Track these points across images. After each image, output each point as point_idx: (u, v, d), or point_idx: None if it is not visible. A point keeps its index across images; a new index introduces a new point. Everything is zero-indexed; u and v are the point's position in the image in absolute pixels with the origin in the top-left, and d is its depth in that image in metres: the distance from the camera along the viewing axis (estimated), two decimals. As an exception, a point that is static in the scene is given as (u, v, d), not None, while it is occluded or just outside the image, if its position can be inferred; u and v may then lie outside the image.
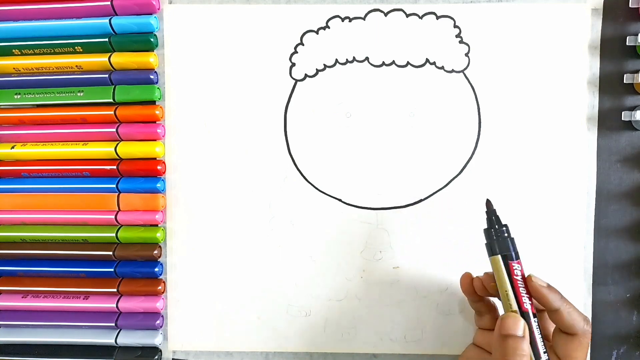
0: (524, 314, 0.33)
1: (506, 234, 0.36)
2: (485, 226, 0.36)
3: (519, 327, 0.32)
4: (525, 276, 0.34)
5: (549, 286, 0.34)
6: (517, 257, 0.35)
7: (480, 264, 0.43)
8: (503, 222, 0.36)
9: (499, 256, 0.35)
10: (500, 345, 0.32)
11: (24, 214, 0.43)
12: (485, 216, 0.37)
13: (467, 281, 0.38)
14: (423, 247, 0.43)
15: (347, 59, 0.42)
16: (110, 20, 0.41)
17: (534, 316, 0.34)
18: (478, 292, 0.37)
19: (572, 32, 0.42)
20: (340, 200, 0.43)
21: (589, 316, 0.43)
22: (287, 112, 0.43)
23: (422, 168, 0.43)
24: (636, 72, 0.41)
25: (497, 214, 0.36)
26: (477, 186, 0.43)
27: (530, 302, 0.34)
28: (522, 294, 0.34)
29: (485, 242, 0.36)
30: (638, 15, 0.41)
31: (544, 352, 0.33)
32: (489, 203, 0.37)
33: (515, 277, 0.34)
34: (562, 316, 0.34)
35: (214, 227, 0.43)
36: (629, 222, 0.43)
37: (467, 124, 0.43)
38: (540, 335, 0.33)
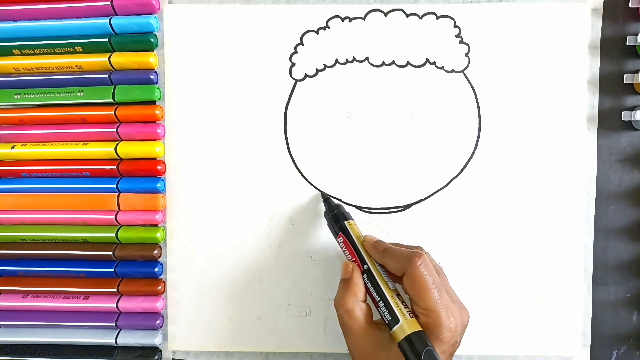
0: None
1: (329, 215, 0.41)
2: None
3: (347, 270, 0.37)
4: (362, 238, 0.39)
5: (375, 242, 0.38)
6: (338, 232, 0.39)
7: (480, 264, 0.43)
8: (335, 203, 0.42)
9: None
10: (338, 288, 0.37)
11: (24, 214, 0.43)
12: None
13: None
14: (423, 246, 0.43)
15: (347, 59, 0.42)
16: (110, 20, 0.41)
17: (366, 266, 0.37)
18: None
19: (572, 32, 0.42)
20: (340, 200, 0.43)
21: (589, 316, 0.43)
22: (287, 112, 0.43)
23: (422, 168, 0.43)
24: (636, 72, 0.41)
25: (328, 197, 0.42)
26: (477, 186, 0.43)
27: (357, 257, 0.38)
28: (345, 254, 0.39)
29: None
30: (638, 15, 0.41)
31: (382, 293, 0.35)
32: (322, 192, 0.43)
33: (341, 248, 0.39)
34: (387, 264, 0.36)
35: (214, 227, 0.43)
36: (629, 222, 0.43)
37: (467, 124, 0.43)
38: (379, 279, 0.36)
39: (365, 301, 0.36)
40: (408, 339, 0.33)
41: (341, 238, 0.39)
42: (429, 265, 0.35)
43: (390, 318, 0.34)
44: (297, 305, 0.44)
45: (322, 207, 0.43)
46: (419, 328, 0.33)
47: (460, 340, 0.35)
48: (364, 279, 0.37)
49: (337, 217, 0.40)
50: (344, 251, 0.39)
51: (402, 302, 0.35)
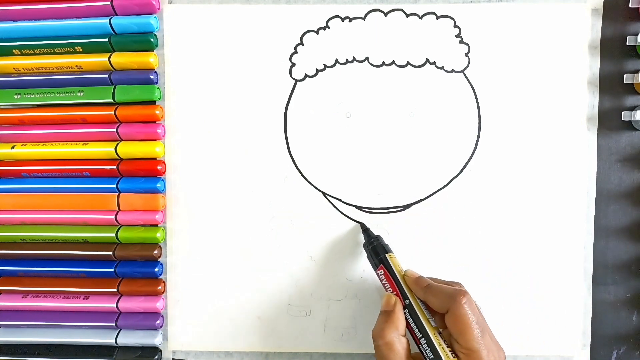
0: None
1: (369, 247, 0.41)
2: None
3: (389, 302, 0.37)
4: (403, 272, 0.39)
5: (417, 278, 0.38)
6: (378, 264, 0.39)
7: (480, 264, 0.43)
8: (375, 235, 0.42)
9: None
10: (378, 319, 0.37)
11: (24, 214, 0.43)
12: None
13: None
14: (423, 247, 0.43)
15: (347, 59, 0.42)
16: (110, 20, 0.41)
17: (408, 300, 0.37)
18: None
19: (572, 32, 0.42)
20: (340, 200, 0.43)
21: (589, 316, 0.43)
22: (287, 112, 0.43)
23: (422, 168, 0.43)
24: (636, 72, 0.41)
25: (368, 229, 0.42)
26: (477, 186, 0.43)
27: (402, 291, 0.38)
28: (385, 287, 0.39)
29: None
30: (638, 15, 0.41)
31: (424, 330, 0.35)
32: (361, 224, 0.43)
33: (381, 281, 0.39)
34: (430, 301, 0.36)
35: (214, 227, 0.43)
36: (629, 222, 0.43)
37: (467, 124, 0.43)
38: (421, 315, 0.36)
39: (405, 335, 0.36)
40: None
41: (382, 270, 0.39)
42: (472, 304, 0.35)
43: (432, 356, 0.34)
44: (297, 305, 0.44)
45: (322, 207, 0.43)
46: None
47: None
48: (405, 313, 0.37)
49: (377, 249, 0.40)
50: (384, 284, 0.39)
51: (444, 341, 0.35)
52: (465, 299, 0.34)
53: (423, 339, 0.35)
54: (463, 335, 0.34)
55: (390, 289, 0.38)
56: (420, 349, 0.35)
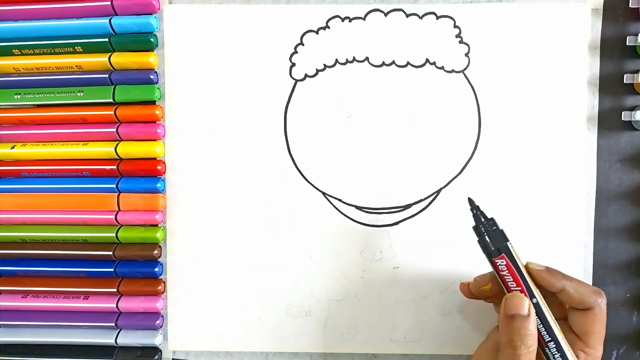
0: None
1: (484, 231, 0.35)
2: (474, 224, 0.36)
3: (523, 305, 0.32)
4: (524, 264, 0.35)
5: (547, 269, 0.35)
6: (500, 252, 0.34)
7: (480, 263, 0.43)
8: (488, 217, 0.36)
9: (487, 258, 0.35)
10: (506, 326, 0.32)
11: (24, 214, 0.43)
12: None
13: (466, 290, 0.38)
14: (423, 247, 0.43)
15: (347, 59, 0.42)
16: (110, 20, 0.41)
17: (535, 299, 0.33)
18: (477, 295, 0.38)
19: (572, 32, 0.42)
20: (340, 200, 0.43)
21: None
22: (287, 112, 0.43)
23: (422, 168, 0.43)
24: (636, 72, 0.41)
25: (480, 210, 0.36)
26: (477, 186, 0.43)
27: (529, 288, 0.34)
28: (510, 287, 0.34)
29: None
30: (638, 15, 0.41)
31: (553, 332, 0.33)
32: (471, 201, 0.36)
33: (501, 272, 0.34)
34: (568, 294, 0.34)
35: (214, 227, 0.43)
36: (629, 222, 0.43)
37: (467, 124, 0.43)
38: (549, 315, 0.33)
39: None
40: None
41: (503, 260, 0.34)
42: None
43: None
44: (297, 305, 0.44)
45: (322, 207, 0.43)
46: None
47: None
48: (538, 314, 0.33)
49: (496, 234, 0.35)
50: (504, 278, 0.34)
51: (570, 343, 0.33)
52: (605, 300, 0.34)
53: (552, 342, 0.33)
54: (595, 336, 0.33)
55: (514, 285, 0.33)
56: (544, 352, 0.33)
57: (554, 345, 0.32)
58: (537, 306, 0.33)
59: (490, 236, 0.35)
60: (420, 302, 0.43)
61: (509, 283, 0.34)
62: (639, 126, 0.42)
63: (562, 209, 0.42)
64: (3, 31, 0.42)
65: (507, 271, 0.34)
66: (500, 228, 0.35)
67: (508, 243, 0.35)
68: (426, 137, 0.43)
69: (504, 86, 0.42)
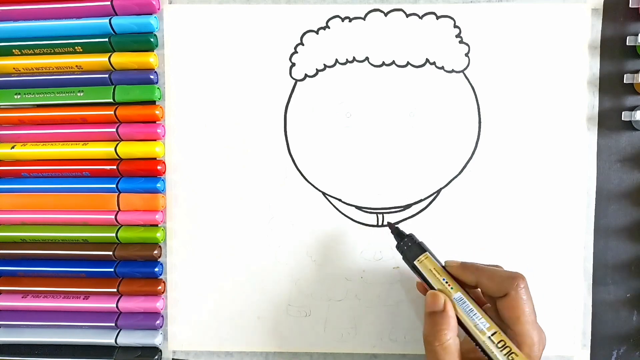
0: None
1: (404, 245, 0.38)
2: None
3: (437, 302, 0.35)
4: (443, 264, 0.37)
5: (461, 264, 0.36)
6: (414, 258, 0.37)
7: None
8: (406, 233, 0.39)
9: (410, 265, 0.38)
10: (425, 323, 0.35)
11: (24, 214, 0.43)
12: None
13: (422, 288, 0.40)
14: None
15: (347, 59, 0.42)
16: (110, 20, 0.41)
17: (459, 295, 0.35)
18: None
19: (572, 32, 0.42)
20: (340, 200, 0.43)
21: (589, 316, 0.43)
22: (287, 112, 0.43)
23: (422, 168, 0.43)
24: (636, 72, 0.41)
25: (399, 229, 0.39)
26: (477, 186, 0.43)
27: (447, 284, 0.36)
28: (433, 287, 0.36)
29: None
30: (638, 15, 0.41)
31: (474, 325, 0.34)
32: (390, 224, 0.40)
33: (422, 275, 0.37)
34: (483, 284, 0.35)
35: (214, 227, 0.43)
36: (629, 222, 0.43)
37: (467, 124, 0.43)
38: (474, 308, 0.34)
39: (458, 335, 0.34)
40: None
41: (422, 265, 0.37)
42: (528, 289, 0.34)
43: (500, 348, 0.33)
44: (297, 305, 0.44)
45: (322, 207, 0.43)
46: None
47: None
48: (457, 308, 0.35)
49: (414, 247, 0.38)
50: (427, 280, 0.36)
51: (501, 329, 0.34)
52: (524, 282, 0.34)
53: (472, 334, 0.34)
54: (519, 321, 0.33)
55: (436, 285, 0.36)
56: (479, 344, 0.34)
57: (474, 338, 0.34)
58: (460, 301, 0.35)
59: (410, 248, 0.38)
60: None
61: (431, 283, 0.36)
62: (639, 126, 0.42)
63: (562, 209, 0.42)
64: (3, 31, 0.42)
65: (426, 274, 0.37)
66: (419, 241, 0.38)
67: (427, 252, 0.37)
68: (426, 137, 0.43)
69: (504, 86, 0.42)
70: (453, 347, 0.34)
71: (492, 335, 0.33)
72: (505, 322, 0.34)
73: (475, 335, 0.34)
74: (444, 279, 0.36)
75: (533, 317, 0.33)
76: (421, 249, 0.38)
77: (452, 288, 0.35)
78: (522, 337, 0.33)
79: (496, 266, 0.37)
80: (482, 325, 0.34)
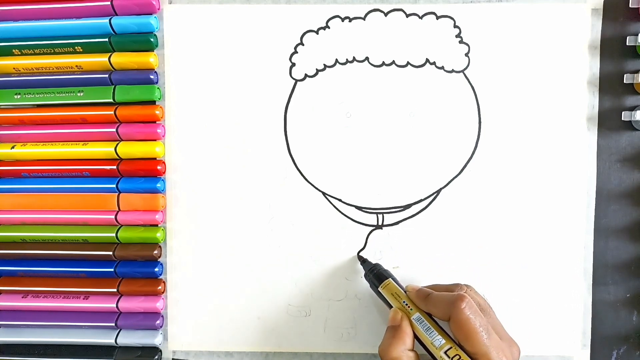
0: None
1: (370, 274, 0.40)
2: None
3: (395, 317, 0.37)
4: (404, 289, 0.39)
5: (418, 290, 0.38)
6: (378, 284, 0.39)
7: (479, 263, 0.43)
8: (373, 262, 0.42)
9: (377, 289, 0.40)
10: (384, 337, 0.36)
11: (24, 214, 0.43)
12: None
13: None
14: (423, 247, 0.43)
15: (347, 59, 0.42)
16: (110, 20, 0.41)
17: (417, 315, 0.37)
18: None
19: (572, 32, 0.42)
20: (340, 200, 0.43)
21: (589, 316, 0.43)
22: (287, 112, 0.43)
23: (422, 168, 0.43)
24: (636, 72, 0.41)
25: (367, 260, 0.42)
26: (477, 186, 0.43)
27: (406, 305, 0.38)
28: (391, 305, 0.38)
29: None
30: (638, 15, 0.41)
31: (428, 343, 0.35)
32: (360, 256, 0.43)
33: (386, 299, 0.39)
34: (431, 311, 0.36)
35: (214, 227, 0.43)
36: (629, 222, 0.43)
37: (467, 124, 0.43)
38: (430, 328, 0.36)
39: (412, 349, 0.35)
40: None
41: (385, 291, 0.39)
42: (473, 307, 0.34)
43: None
44: (297, 305, 0.44)
45: (322, 207, 0.43)
46: None
47: None
48: (417, 327, 0.36)
49: (378, 276, 0.40)
50: (389, 301, 0.38)
51: (461, 348, 0.34)
52: (464, 303, 0.33)
53: (441, 348, 0.34)
54: (469, 341, 0.33)
55: (395, 307, 0.38)
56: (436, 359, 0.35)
57: (432, 355, 0.35)
58: (418, 321, 0.36)
59: (375, 275, 0.40)
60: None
61: (393, 306, 0.38)
62: (639, 126, 0.42)
63: (562, 209, 0.42)
64: (3, 31, 0.42)
65: (388, 298, 0.39)
66: (384, 269, 0.41)
67: (390, 278, 0.39)
68: (426, 137, 0.43)
69: (504, 86, 0.42)
70: None
71: (447, 350, 0.34)
72: (461, 346, 0.34)
73: (432, 351, 0.35)
74: (404, 302, 0.38)
75: (484, 334, 0.33)
76: (385, 276, 0.40)
77: (411, 309, 0.37)
78: (478, 356, 0.33)
79: (455, 285, 0.38)
80: (438, 342, 0.35)
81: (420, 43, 0.42)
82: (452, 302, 0.34)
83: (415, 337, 0.36)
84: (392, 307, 0.38)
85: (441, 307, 0.35)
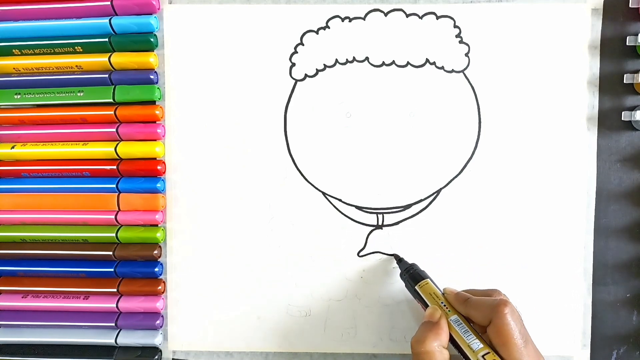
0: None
1: (407, 273, 0.40)
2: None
3: (435, 314, 0.36)
4: (442, 291, 0.39)
5: (456, 294, 0.37)
6: (414, 284, 0.39)
7: (479, 263, 0.43)
8: (410, 262, 0.41)
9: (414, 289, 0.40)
10: (417, 331, 0.36)
11: (24, 214, 0.43)
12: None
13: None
14: (423, 247, 0.43)
15: (347, 59, 0.42)
16: (110, 20, 0.41)
17: (455, 317, 0.36)
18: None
19: (572, 32, 0.42)
20: (340, 200, 0.43)
21: (589, 316, 0.43)
22: (287, 112, 0.43)
23: (422, 168, 0.43)
24: (636, 72, 0.41)
25: (404, 259, 0.42)
26: (477, 186, 0.43)
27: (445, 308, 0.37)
28: (427, 304, 0.38)
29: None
30: (638, 15, 0.41)
31: (463, 346, 0.35)
32: (396, 256, 0.43)
33: (424, 299, 0.39)
34: (471, 315, 0.36)
35: (214, 227, 0.43)
36: (629, 222, 0.43)
37: (467, 124, 0.43)
38: (468, 330, 0.35)
39: (447, 348, 0.35)
40: None
41: (424, 290, 0.39)
42: (515, 314, 0.34)
43: None
44: (297, 305, 0.44)
45: (322, 207, 0.43)
46: None
47: None
48: (454, 329, 0.36)
49: (414, 277, 0.40)
50: (427, 302, 0.38)
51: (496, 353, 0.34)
52: (508, 309, 0.33)
53: (478, 352, 0.34)
54: (506, 347, 0.33)
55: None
56: None
57: (467, 358, 0.34)
58: (456, 322, 0.36)
59: (412, 274, 0.40)
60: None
61: (428, 302, 0.38)
62: (639, 126, 0.42)
63: (562, 209, 0.42)
64: (3, 31, 0.42)
65: (425, 298, 0.38)
66: (421, 269, 0.40)
67: (428, 278, 0.39)
68: (426, 137, 0.43)
69: (504, 86, 0.42)
70: (437, 356, 0.34)
71: (485, 354, 0.34)
72: (497, 351, 0.34)
73: (469, 354, 0.34)
74: (442, 302, 0.37)
75: (522, 341, 0.33)
76: (421, 276, 0.40)
77: (449, 311, 0.37)
78: None
79: (493, 291, 0.38)
80: (476, 345, 0.34)
81: (420, 43, 0.42)
82: (494, 306, 0.34)
83: (450, 338, 0.35)
84: (427, 306, 0.38)
85: (482, 310, 0.35)
